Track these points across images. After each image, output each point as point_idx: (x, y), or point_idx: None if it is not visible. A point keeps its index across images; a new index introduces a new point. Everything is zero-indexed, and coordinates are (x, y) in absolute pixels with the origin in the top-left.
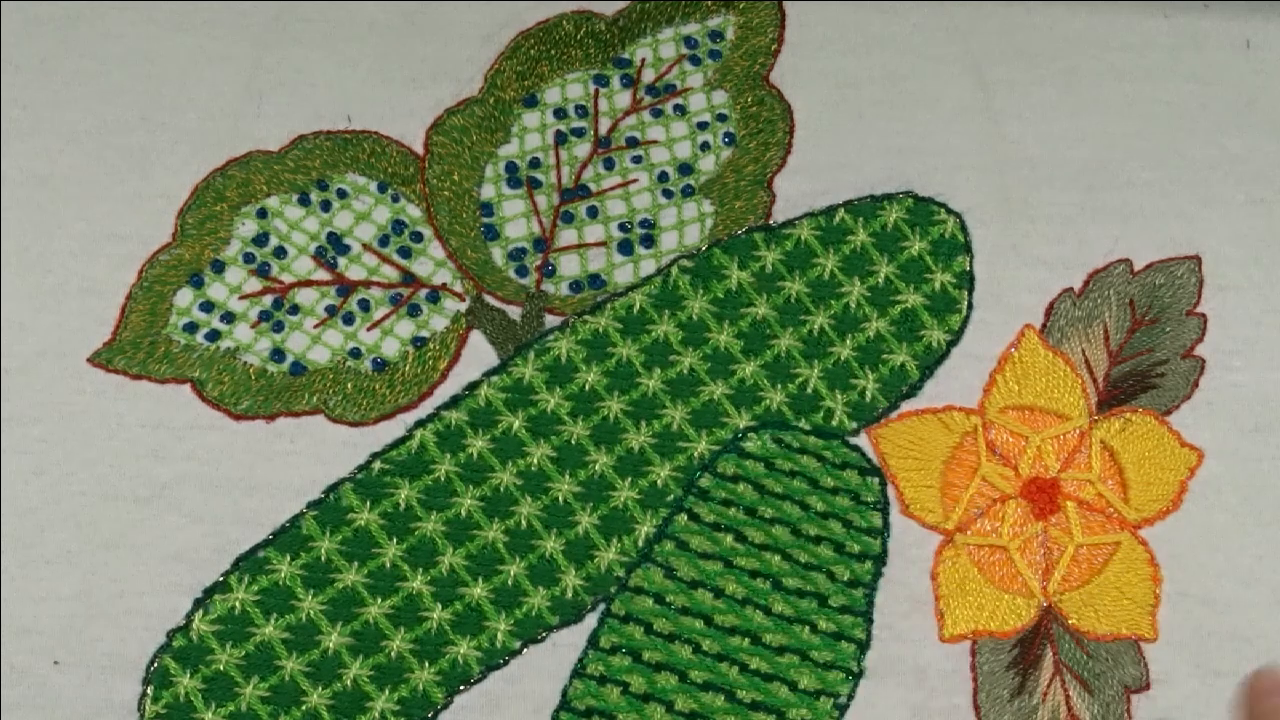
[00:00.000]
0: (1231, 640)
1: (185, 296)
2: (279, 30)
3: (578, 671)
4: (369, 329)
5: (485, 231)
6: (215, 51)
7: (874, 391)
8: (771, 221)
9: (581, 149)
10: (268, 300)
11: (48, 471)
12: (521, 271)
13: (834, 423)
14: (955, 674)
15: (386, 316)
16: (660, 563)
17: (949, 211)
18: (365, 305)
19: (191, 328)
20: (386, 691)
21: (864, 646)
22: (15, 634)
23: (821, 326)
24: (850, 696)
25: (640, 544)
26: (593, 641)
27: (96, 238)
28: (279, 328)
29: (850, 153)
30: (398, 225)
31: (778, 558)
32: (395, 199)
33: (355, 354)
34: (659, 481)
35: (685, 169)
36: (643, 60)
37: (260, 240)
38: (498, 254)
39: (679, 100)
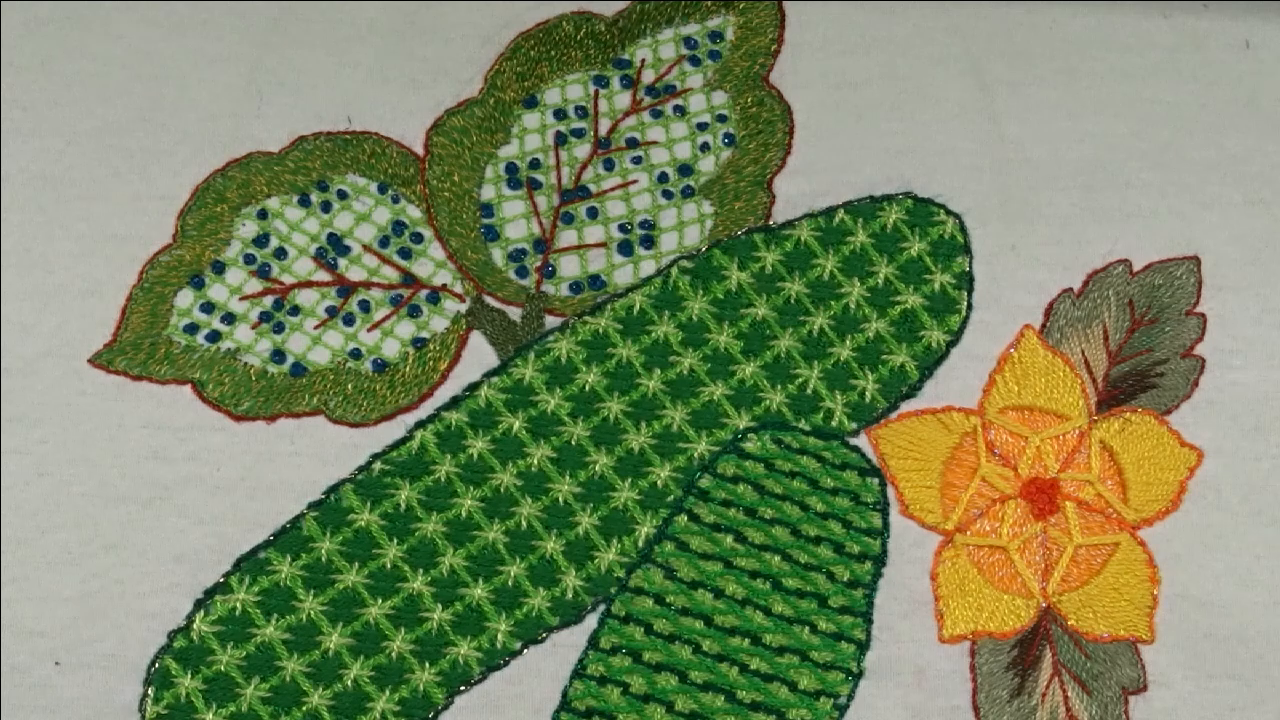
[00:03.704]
0: (1228, 642)
1: (186, 297)
2: (279, 31)
3: (578, 672)
4: (369, 330)
5: (485, 232)
6: (215, 52)
7: (873, 392)
8: (771, 222)
9: (581, 150)
10: (268, 301)
11: (49, 473)
12: (521, 272)
13: (834, 423)
14: (955, 675)
15: (387, 318)
16: (660, 563)
17: (948, 212)
18: (365, 306)
19: (192, 329)
20: (387, 692)
21: (864, 647)
22: (16, 635)
23: (821, 327)
24: (850, 697)
25: (640, 545)
26: (593, 642)
27: (97, 238)
28: (279, 329)
29: (850, 153)
30: (398, 226)
31: (777, 558)
32: (395, 200)
33: (356, 355)
34: (659, 482)
35: (685, 170)
36: (642, 61)
37: (261, 241)
38: (498, 255)
39: (679, 101)
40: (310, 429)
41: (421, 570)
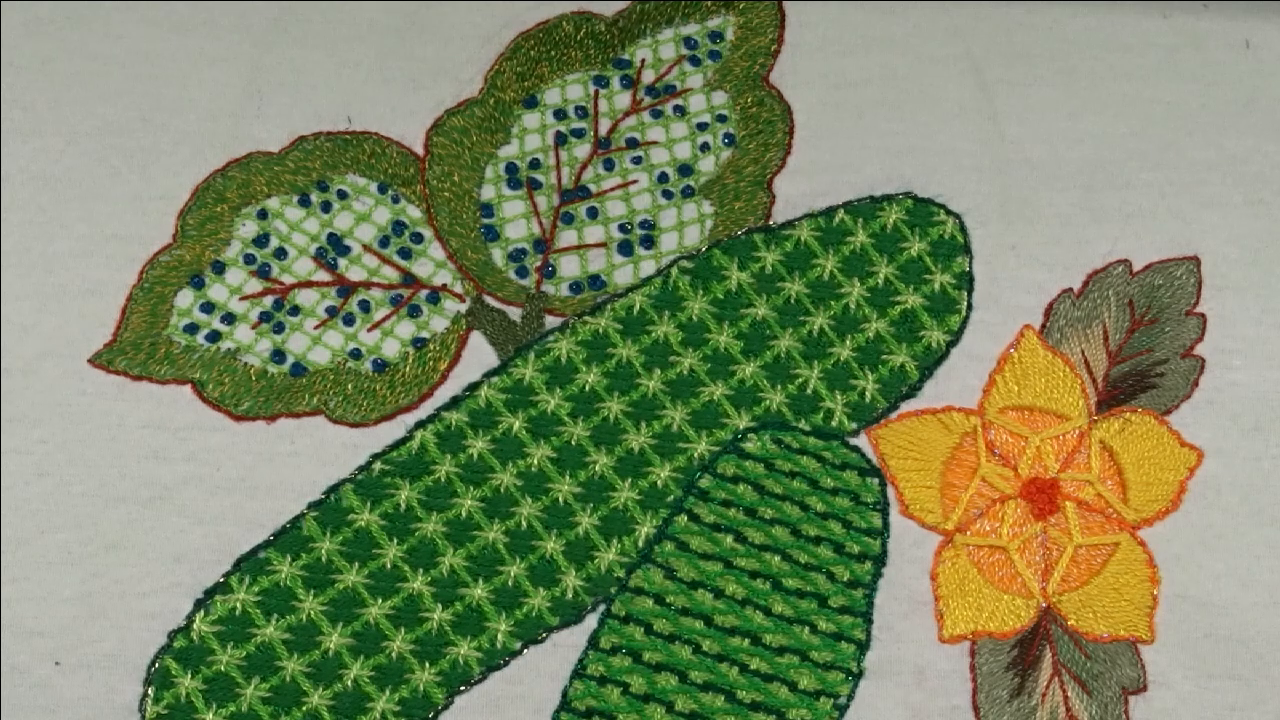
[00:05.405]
0: (1228, 643)
1: (186, 297)
2: (279, 30)
3: (578, 672)
4: (369, 330)
5: (485, 232)
6: (215, 52)
7: (874, 392)
8: (771, 222)
9: (581, 150)
10: (268, 301)
11: (49, 473)
12: (522, 272)
13: (834, 423)
14: (955, 675)
15: (387, 318)
16: (660, 563)
17: (948, 212)
18: (365, 306)
19: (192, 329)
20: (387, 692)
21: (864, 647)
22: (16, 635)
23: (821, 327)
24: (850, 697)
25: (640, 545)
26: (593, 642)
27: (97, 238)
28: (279, 329)
29: (850, 153)
30: (398, 226)
31: (777, 558)
32: (395, 200)
33: (356, 355)
34: (659, 482)
35: (685, 170)
36: (642, 61)
37: (261, 241)
38: (498, 255)
39: (679, 101)
40: (310, 429)
41: (421, 570)
